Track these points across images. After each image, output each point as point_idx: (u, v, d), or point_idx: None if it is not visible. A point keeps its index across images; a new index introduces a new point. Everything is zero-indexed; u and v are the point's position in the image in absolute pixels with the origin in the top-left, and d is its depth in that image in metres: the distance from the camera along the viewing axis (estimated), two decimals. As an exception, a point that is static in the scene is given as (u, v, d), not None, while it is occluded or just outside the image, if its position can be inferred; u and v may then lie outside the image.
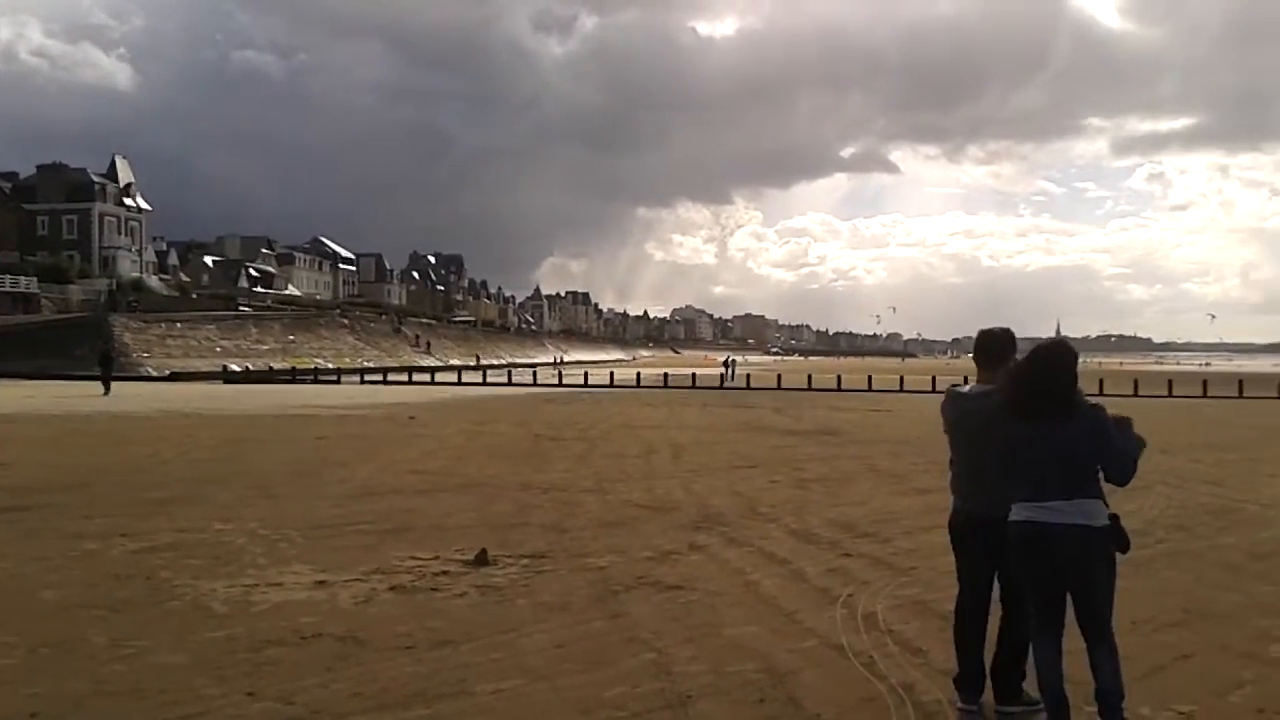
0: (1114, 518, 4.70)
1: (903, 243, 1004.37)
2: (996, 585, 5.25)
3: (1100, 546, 4.65)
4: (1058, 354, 4.80)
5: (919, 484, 13.87)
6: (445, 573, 8.13)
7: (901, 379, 52.50)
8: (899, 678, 5.62)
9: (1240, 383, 46.78)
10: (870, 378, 53.20)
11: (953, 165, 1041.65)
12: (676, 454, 17.82)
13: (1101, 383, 46.60)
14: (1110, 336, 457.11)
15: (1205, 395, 42.94)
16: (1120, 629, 6.46)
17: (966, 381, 5.49)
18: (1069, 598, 4.72)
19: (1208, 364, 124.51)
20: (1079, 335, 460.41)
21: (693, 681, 5.56)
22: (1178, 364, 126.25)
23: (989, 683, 5.22)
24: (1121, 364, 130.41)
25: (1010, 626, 5.20)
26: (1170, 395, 42.13)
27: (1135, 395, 42.44)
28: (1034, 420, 4.69)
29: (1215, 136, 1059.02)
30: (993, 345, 5.32)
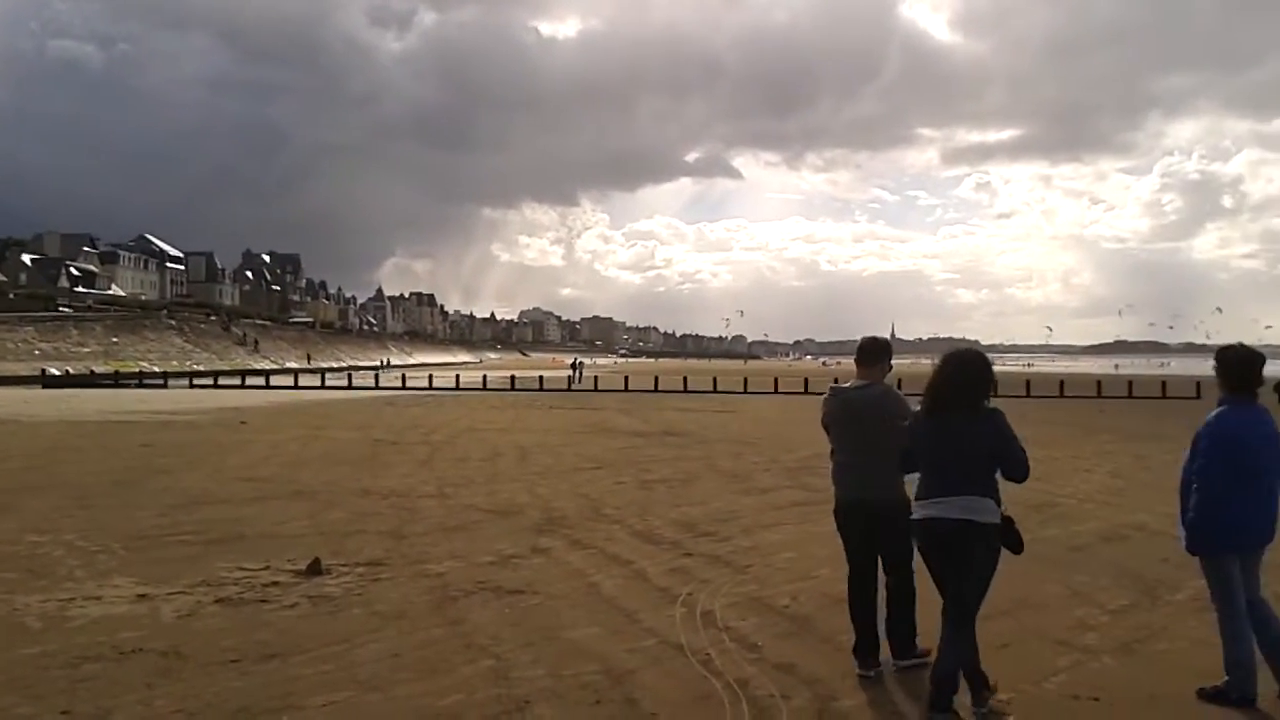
0: (1007, 520, 5.06)
1: (746, 247, 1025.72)
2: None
3: (983, 541, 4.97)
4: (967, 359, 5.32)
5: (760, 483, 14.15)
6: (275, 583, 7.84)
7: (745, 380, 53.64)
8: (734, 674, 5.69)
9: (1061, 383, 49.31)
10: (715, 379, 54.18)
11: (792, 172, 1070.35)
12: (522, 457, 17.70)
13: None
14: (941, 339, 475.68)
15: (1028, 395, 45.13)
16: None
17: (838, 381, 6.22)
18: (952, 581, 5.08)
19: (1030, 365, 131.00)
20: (911, 337, 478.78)
21: (531, 686, 5.50)
22: (1003, 365, 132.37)
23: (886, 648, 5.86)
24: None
25: (896, 594, 5.84)
26: (996, 395, 43.99)
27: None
28: (940, 418, 5.14)
29: (1038, 147, 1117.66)
30: (873, 348, 6.05)
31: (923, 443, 5.22)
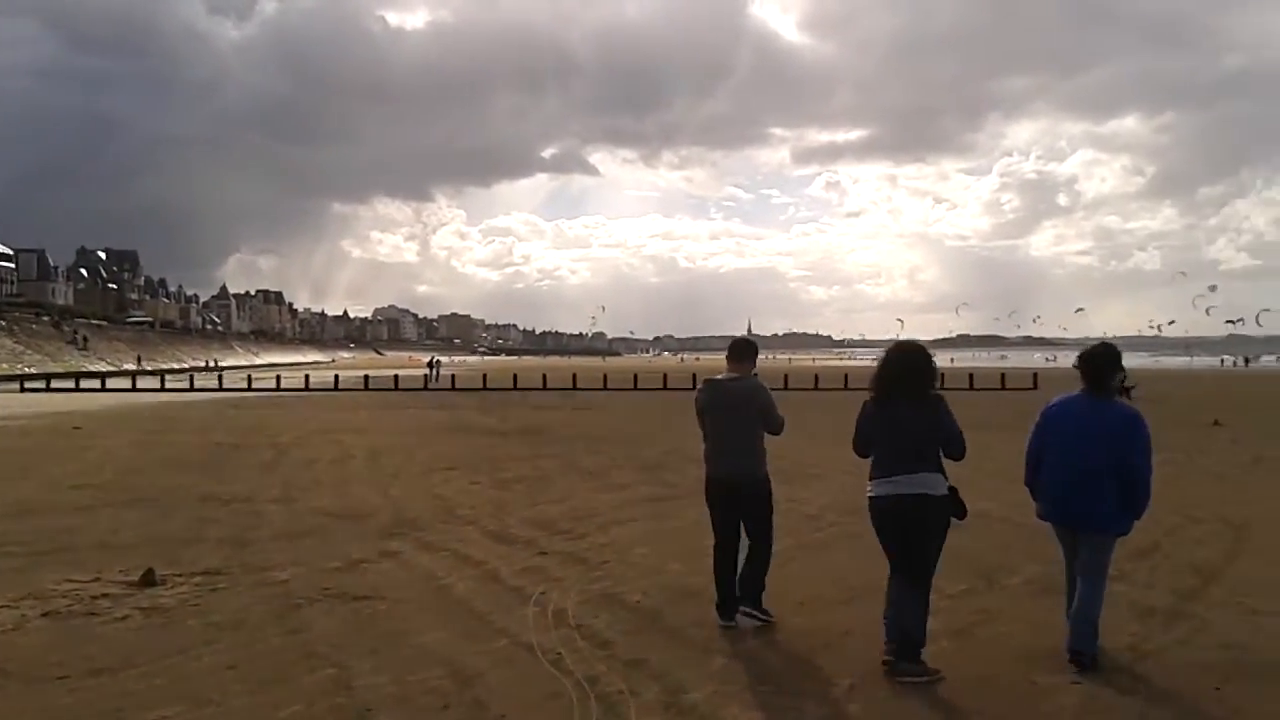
0: (952, 489, 5.73)
1: (605, 243, 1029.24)
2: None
3: (937, 512, 5.66)
4: (908, 351, 5.91)
5: (617, 480, 14.17)
6: (106, 595, 7.46)
7: (605, 377, 53.76)
8: (584, 671, 5.67)
9: (971, 376, 50.87)
10: (575, 376, 54.13)
11: (649, 169, 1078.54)
12: (373, 459, 17.31)
13: (786, 378, 49.52)
14: (795, 334, 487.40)
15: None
16: (788, 609, 6.90)
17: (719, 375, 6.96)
18: (908, 550, 5.71)
19: (875, 360, 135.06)
20: (767, 333, 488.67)
21: (374, 694, 5.36)
22: (854, 359, 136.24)
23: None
24: (814, 360, 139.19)
25: (755, 557, 6.72)
26: (846, 388, 45.20)
27: (816, 389, 45.47)
28: (890, 405, 5.77)
29: (884, 148, 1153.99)
30: (743, 346, 6.99)
31: (877, 428, 5.85)
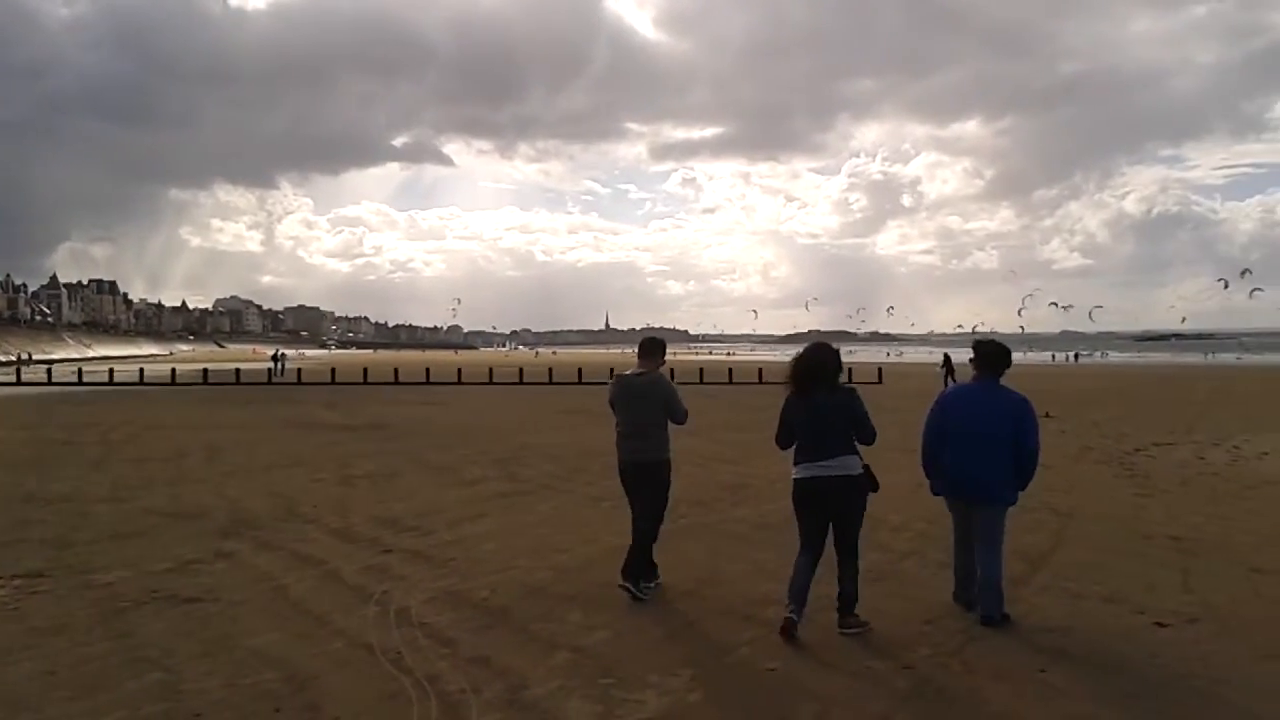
0: (866, 467, 6.38)
1: (460, 235, 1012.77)
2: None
3: (859, 489, 6.34)
4: (820, 350, 6.61)
5: (467, 475, 13.99)
6: (-90, 604, 6.97)
7: (460, 372, 53.05)
8: (425, 670, 5.57)
9: (760, 371, 51.89)
10: (428, 370, 53.20)
11: (505, 161, 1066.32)
12: (211, 455, 16.66)
13: (641, 372, 49.93)
14: (654, 328, 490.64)
15: (731, 382, 47.27)
16: (635, 603, 6.92)
17: (618, 372, 7.82)
18: (832, 528, 6.36)
19: (731, 353, 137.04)
20: (625, 328, 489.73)
21: (203, 699, 5.15)
22: (710, 354, 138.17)
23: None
24: (675, 354, 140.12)
25: (639, 532, 7.36)
26: (701, 383, 45.81)
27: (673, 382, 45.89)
28: (808, 397, 6.41)
29: (739, 146, 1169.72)
30: (651, 345, 7.72)
31: (799, 418, 6.46)
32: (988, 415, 6.60)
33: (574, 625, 6.50)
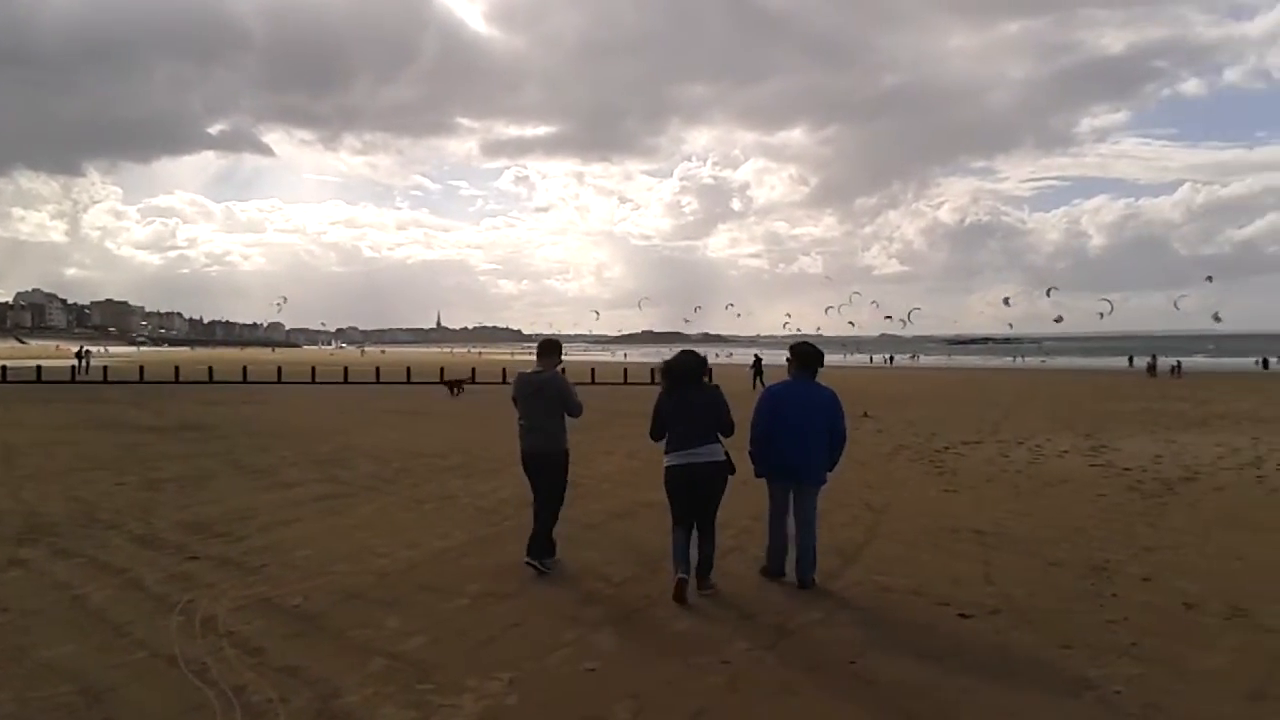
0: (726, 454, 7.34)
1: (281, 229, 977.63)
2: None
3: (722, 474, 7.32)
4: (690, 354, 7.70)
5: (284, 478, 13.50)
6: None
7: (280, 370, 51.26)
8: (231, 681, 5.32)
9: (593, 371, 52.10)
10: (246, 369, 51.24)
11: (330, 153, 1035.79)
12: (6, 457, 15.60)
13: (474, 372, 49.35)
14: (486, 327, 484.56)
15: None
16: (457, 607, 6.81)
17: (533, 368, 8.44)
18: (699, 508, 7.29)
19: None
20: (458, 326, 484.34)
21: (-15, 719, 4.79)
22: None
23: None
24: (513, 354, 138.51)
25: (541, 514, 8.12)
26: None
27: (504, 383, 45.53)
28: (679, 393, 7.39)
29: (572, 145, 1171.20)
30: (548, 345, 8.52)
31: (672, 412, 7.38)
32: (807, 408, 7.61)
33: (391, 631, 6.33)
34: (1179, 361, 66.54)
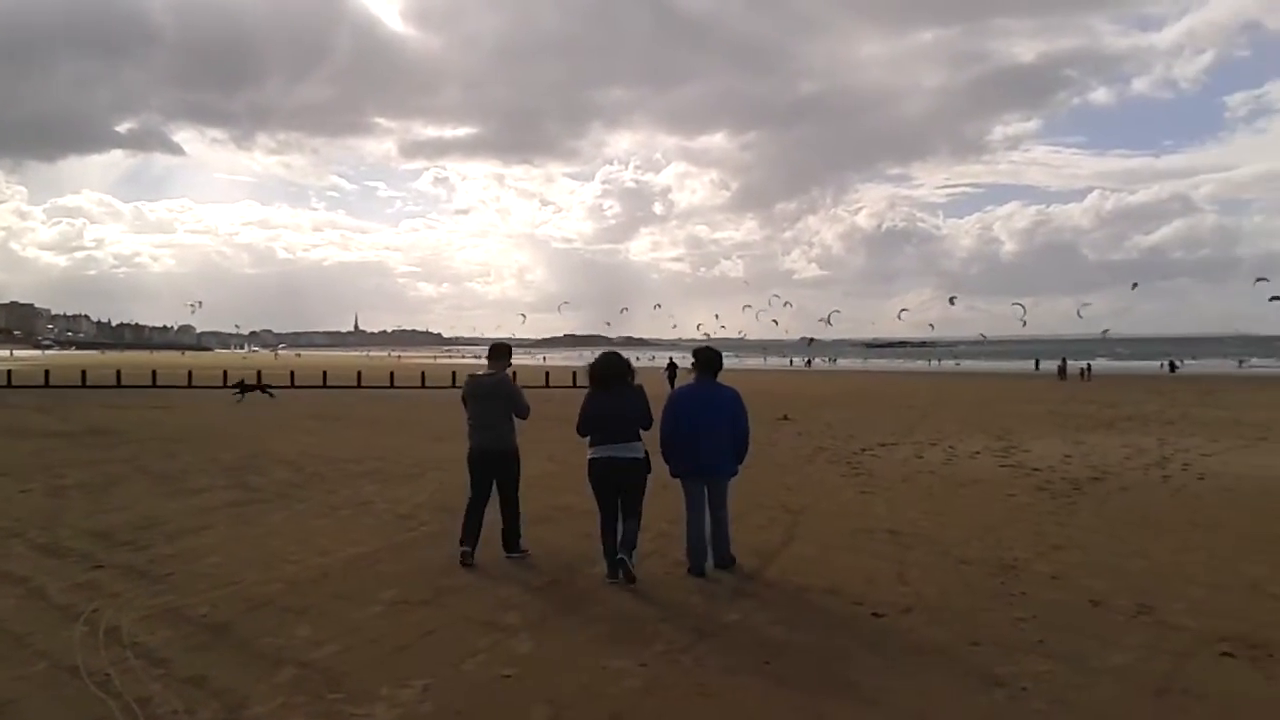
0: (645, 453, 7.87)
1: (193, 229, 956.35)
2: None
3: (642, 469, 7.88)
4: (614, 355, 8.20)
5: (193, 484, 13.17)
6: None
7: (190, 374, 50.06)
8: (135, 693, 5.17)
9: (514, 373, 51.52)
10: (155, 373, 49.93)
11: (243, 152, 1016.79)
12: (-102, 465, 14.98)
13: (392, 376, 48.83)
14: (405, 330, 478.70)
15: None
16: (370, 615, 6.71)
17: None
18: (620, 499, 7.83)
19: (482, 358, 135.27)
20: (376, 330, 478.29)
21: None
22: (462, 358, 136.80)
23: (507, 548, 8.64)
24: (436, 358, 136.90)
25: (510, 510, 8.67)
26: (455, 385, 45.20)
27: (423, 387, 45.15)
28: (605, 393, 7.91)
29: (492, 147, 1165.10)
30: (498, 348, 9.07)
31: (598, 410, 7.89)
32: (710, 408, 8.10)
33: (302, 640, 6.20)
34: (1088, 364, 68.36)
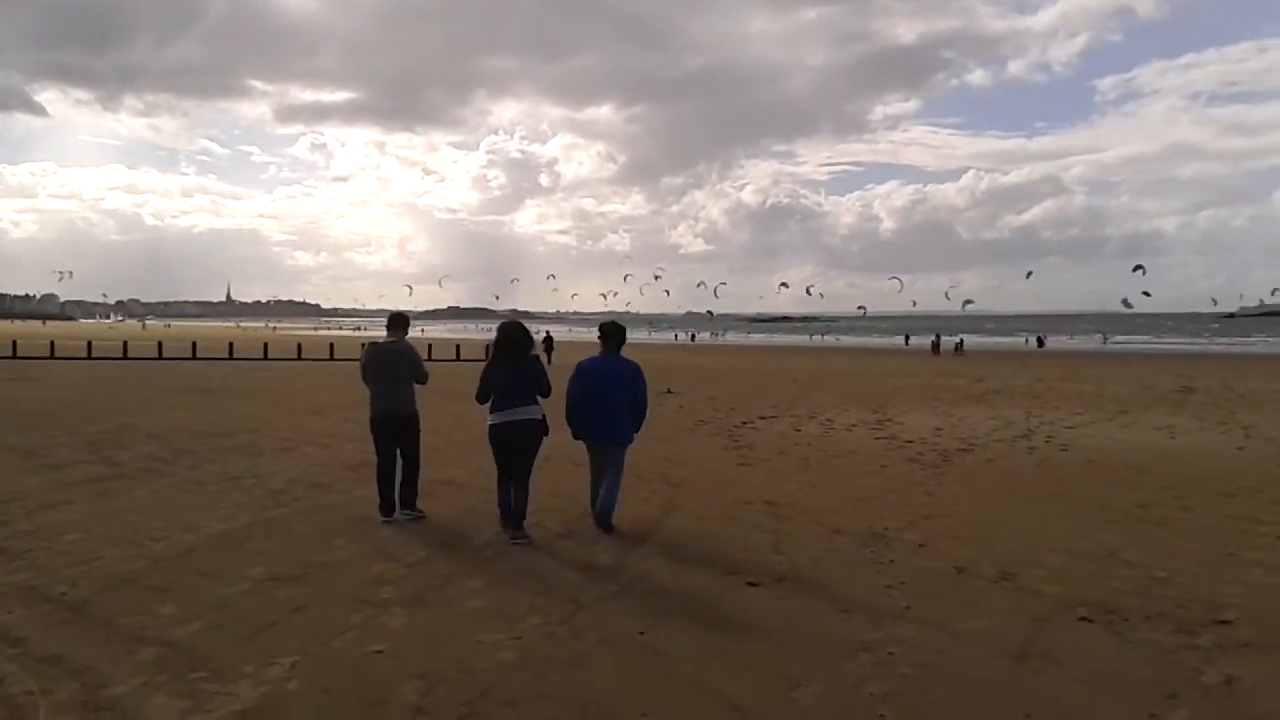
0: (543, 415, 8.43)
1: (56, 194, 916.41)
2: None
3: (538, 431, 8.42)
4: (516, 325, 8.71)
5: (53, 459, 12.60)
6: None
7: (53, 345, 47.94)
8: (-14, 675, 4.94)
9: (458, 347, 50.80)
10: (15, 343, 47.63)
11: (109, 114, 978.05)
12: None
13: (266, 347, 47.56)
14: (282, 301, 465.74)
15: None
16: (238, 592, 6.55)
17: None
18: (517, 460, 8.38)
19: (361, 329, 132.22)
20: (250, 300, 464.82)
21: None
22: (341, 329, 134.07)
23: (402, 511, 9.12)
24: (318, 329, 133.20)
25: (410, 472, 9.16)
26: (332, 359, 44.27)
27: (300, 359, 44.09)
28: (507, 361, 8.35)
29: (373, 113, 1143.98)
30: (397, 318, 9.61)
31: (500, 378, 8.33)
32: (611, 379, 8.70)
33: (166, 618, 6.01)
34: (961, 339, 70.52)
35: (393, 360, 9.21)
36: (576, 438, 8.91)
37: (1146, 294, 65.15)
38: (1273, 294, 79.49)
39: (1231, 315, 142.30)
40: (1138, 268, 72.01)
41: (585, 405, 8.66)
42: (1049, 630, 6.04)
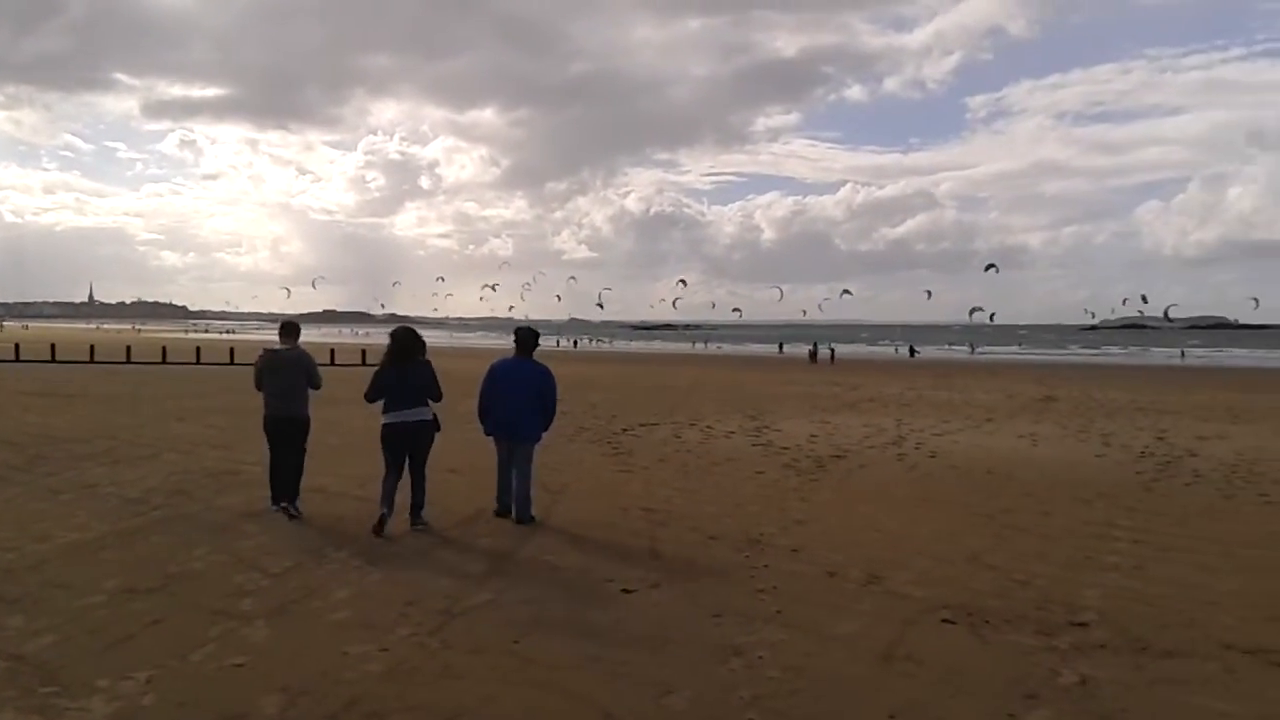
0: (435, 415, 9.01)
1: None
2: None
3: (430, 430, 8.95)
4: (409, 330, 9.09)
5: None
6: None
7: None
8: None
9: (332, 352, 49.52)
10: None
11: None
12: None
13: (129, 350, 45.82)
14: (147, 303, 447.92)
15: (232, 363, 44.74)
16: (92, 604, 6.26)
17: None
18: (409, 458, 8.90)
19: (231, 332, 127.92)
20: (114, 301, 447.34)
21: None
22: (208, 332, 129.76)
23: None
24: (188, 332, 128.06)
25: (293, 469, 9.48)
26: (199, 363, 42.89)
27: (164, 363, 42.56)
28: (399, 366, 8.83)
29: (245, 110, 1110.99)
30: (289, 326, 9.82)
31: (392, 380, 8.82)
32: (520, 381, 9.37)
33: (14, 631, 5.74)
34: (832, 348, 72.00)
35: (290, 366, 9.55)
36: (488, 434, 9.51)
37: (978, 308, 68.82)
38: (1123, 303, 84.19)
39: (1095, 327, 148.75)
40: (990, 266, 75.26)
41: (497, 404, 9.32)
42: (914, 632, 6.18)
